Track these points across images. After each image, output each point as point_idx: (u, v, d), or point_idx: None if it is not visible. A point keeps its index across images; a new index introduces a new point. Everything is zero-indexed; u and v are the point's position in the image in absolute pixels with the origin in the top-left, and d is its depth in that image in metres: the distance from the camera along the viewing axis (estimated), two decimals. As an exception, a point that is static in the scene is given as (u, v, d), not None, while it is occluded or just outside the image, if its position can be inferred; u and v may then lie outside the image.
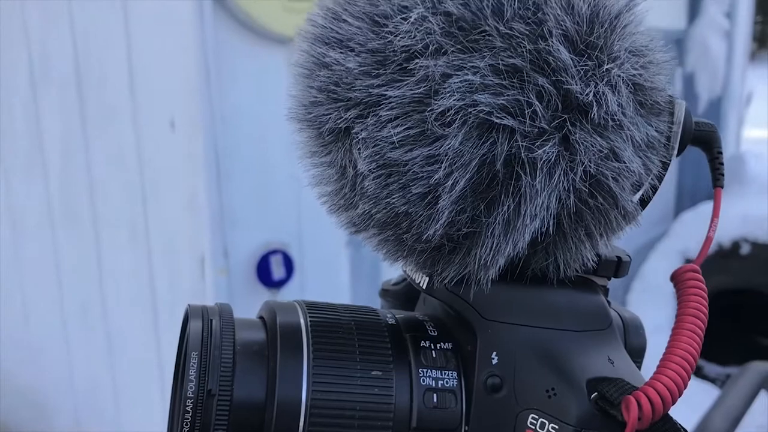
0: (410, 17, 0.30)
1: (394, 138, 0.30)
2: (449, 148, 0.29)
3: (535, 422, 0.32)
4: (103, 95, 1.52)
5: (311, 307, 0.35)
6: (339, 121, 0.31)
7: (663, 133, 0.33)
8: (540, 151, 0.29)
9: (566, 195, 0.30)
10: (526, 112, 0.29)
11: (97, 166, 1.59)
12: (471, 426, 0.33)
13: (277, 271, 1.43)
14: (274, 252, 1.42)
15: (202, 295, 1.38)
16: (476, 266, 0.32)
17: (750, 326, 2.61)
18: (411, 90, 0.29)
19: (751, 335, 2.62)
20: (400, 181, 0.30)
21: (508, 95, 0.29)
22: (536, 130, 0.29)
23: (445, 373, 0.33)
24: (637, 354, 0.40)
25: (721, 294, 2.28)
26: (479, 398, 0.33)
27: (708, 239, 0.36)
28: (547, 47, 0.29)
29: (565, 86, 0.29)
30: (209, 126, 1.29)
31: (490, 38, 0.29)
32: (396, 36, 0.30)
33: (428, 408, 0.33)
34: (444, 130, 0.29)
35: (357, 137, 0.31)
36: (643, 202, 0.33)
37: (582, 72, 0.30)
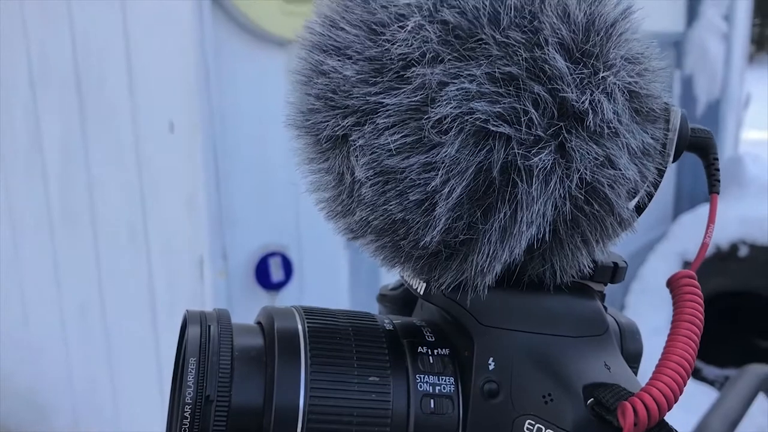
0: (407, 25, 0.30)
1: (392, 145, 0.30)
2: (446, 156, 0.29)
3: (531, 428, 0.32)
4: (102, 96, 1.52)
5: (309, 312, 0.35)
6: (336, 128, 0.31)
7: (659, 140, 0.33)
8: (536, 159, 0.29)
9: (562, 202, 0.30)
10: (523, 119, 0.29)
11: (97, 166, 1.59)
12: None
13: (276, 273, 1.42)
14: (272, 254, 1.42)
15: (200, 296, 1.38)
16: (473, 272, 0.32)
17: (748, 328, 2.62)
18: (408, 98, 0.30)
19: (749, 337, 2.62)
20: (398, 188, 0.30)
21: (504, 103, 0.29)
22: (532, 137, 0.29)
23: (442, 379, 0.33)
24: (633, 359, 0.40)
25: (719, 296, 2.29)
26: (476, 404, 0.33)
27: (704, 245, 0.37)
28: (543, 55, 0.29)
29: (561, 94, 0.29)
30: (208, 127, 1.29)
31: (487, 46, 0.29)
32: (393, 44, 0.30)
33: (425, 414, 0.33)
34: (441, 137, 0.29)
35: (354, 144, 0.31)
36: (639, 209, 0.34)
37: (578, 80, 0.30)
